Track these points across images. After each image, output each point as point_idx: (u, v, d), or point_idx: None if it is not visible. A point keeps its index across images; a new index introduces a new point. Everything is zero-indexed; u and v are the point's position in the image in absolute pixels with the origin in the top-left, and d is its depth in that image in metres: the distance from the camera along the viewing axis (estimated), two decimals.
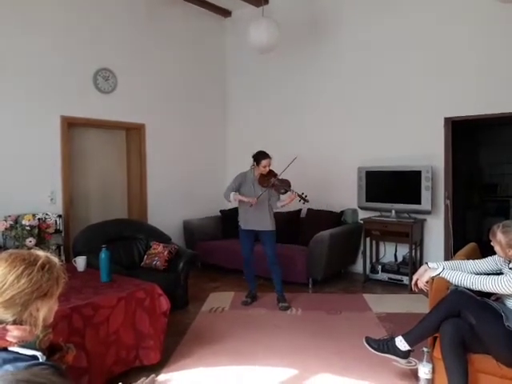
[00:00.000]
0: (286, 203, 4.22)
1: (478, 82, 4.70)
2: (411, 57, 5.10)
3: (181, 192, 6.02)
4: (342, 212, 5.44)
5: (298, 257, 4.89)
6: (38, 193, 4.50)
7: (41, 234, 4.14)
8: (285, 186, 4.19)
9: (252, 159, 4.27)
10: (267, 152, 4.20)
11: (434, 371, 2.51)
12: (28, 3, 4.41)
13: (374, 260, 5.39)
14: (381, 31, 5.30)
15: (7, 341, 1.13)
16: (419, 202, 4.86)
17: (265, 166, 4.16)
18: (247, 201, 4.09)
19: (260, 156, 4.18)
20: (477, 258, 2.71)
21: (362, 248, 5.32)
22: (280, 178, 4.20)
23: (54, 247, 4.20)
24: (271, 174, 4.23)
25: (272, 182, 4.15)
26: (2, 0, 4.23)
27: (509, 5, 4.17)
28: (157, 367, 2.91)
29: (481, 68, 4.68)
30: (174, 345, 3.30)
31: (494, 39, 4.59)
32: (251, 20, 5.15)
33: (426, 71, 5.00)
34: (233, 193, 4.19)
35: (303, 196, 4.12)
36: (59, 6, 4.66)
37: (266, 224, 4.23)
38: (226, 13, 6.55)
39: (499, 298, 2.49)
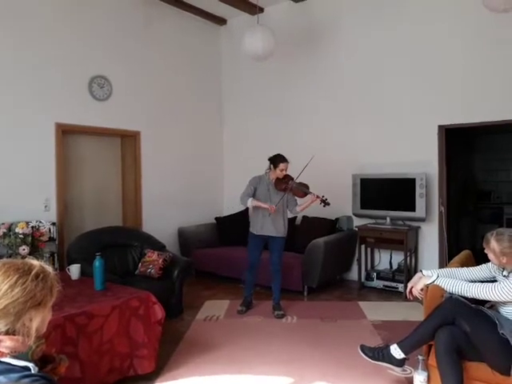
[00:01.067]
0: (306, 206, 4.14)
1: (472, 90, 4.75)
2: (406, 65, 5.15)
3: (176, 199, 6.01)
4: (337, 219, 5.44)
5: (293, 264, 4.88)
6: (31, 200, 4.48)
7: (34, 242, 4.11)
8: (304, 188, 4.12)
9: (268, 162, 4.20)
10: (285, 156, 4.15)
11: (429, 379, 2.50)
12: (23, 11, 4.41)
13: (369, 267, 5.39)
14: (376, 40, 5.35)
15: None
16: (414, 210, 4.88)
17: (282, 170, 4.09)
18: (265, 207, 4.03)
19: (278, 159, 4.12)
20: (471, 266, 2.73)
21: (357, 255, 5.32)
22: (297, 181, 4.15)
23: (47, 255, 4.17)
24: (288, 177, 4.16)
25: (290, 186, 4.09)
26: None
27: (499, 14, 4.22)
28: (151, 376, 2.90)
29: (474, 76, 4.74)
30: (168, 353, 3.27)
31: (487, 48, 4.65)
32: (246, 28, 5.18)
33: (420, 79, 5.05)
34: (251, 199, 4.11)
35: (324, 199, 4.05)
36: (55, 13, 4.67)
37: (280, 230, 4.20)
38: (221, 21, 6.59)
39: (493, 305, 2.50)
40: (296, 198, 4.26)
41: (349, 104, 5.59)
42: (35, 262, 1.22)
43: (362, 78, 5.47)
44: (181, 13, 6.00)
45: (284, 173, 4.12)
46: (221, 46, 6.77)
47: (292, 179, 4.14)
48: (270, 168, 4.21)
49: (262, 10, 6.04)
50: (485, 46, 4.66)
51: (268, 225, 4.17)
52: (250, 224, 4.35)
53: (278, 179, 4.16)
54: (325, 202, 4.05)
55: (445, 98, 4.90)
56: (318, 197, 4.03)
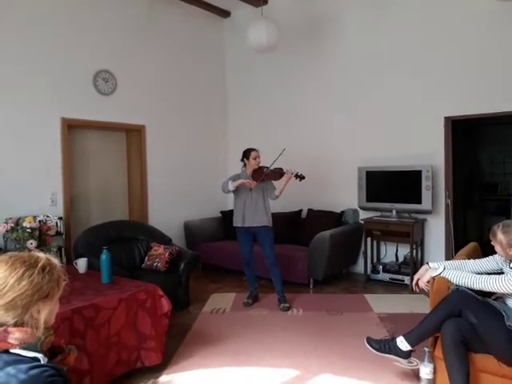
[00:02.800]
0: (284, 186, 4.21)
1: (478, 81, 4.70)
2: (411, 57, 5.10)
3: (181, 193, 6.02)
4: (343, 212, 5.43)
5: (298, 257, 4.89)
6: (38, 195, 4.51)
7: (42, 236, 4.14)
8: (278, 170, 4.23)
9: (241, 161, 4.35)
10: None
11: (435, 371, 2.51)
12: (27, 7, 4.41)
13: (375, 260, 5.38)
14: (381, 31, 5.30)
15: (9, 343, 1.14)
16: (420, 202, 4.86)
17: (255, 158, 4.24)
18: (247, 182, 4.12)
19: (248, 150, 4.31)
20: (478, 258, 2.71)
21: (362, 248, 5.31)
22: (271, 167, 4.25)
23: (55, 249, 4.20)
24: (262, 167, 4.29)
25: (265, 172, 4.19)
26: (2, 2, 4.24)
27: (505, 3, 4.17)
28: (158, 368, 2.92)
29: (480, 67, 4.68)
30: (175, 346, 3.30)
31: (492, 38, 4.59)
32: (250, 20, 5.16)
33: (426, 71, 5.00)
34: (230, 181, 4.20)
35: (298, 174, 4.18)
36: (59, 8, 4.67)
37: (263, 220, 4.22)
38: (225, 13, 6.56)
39: (500, 297, 2.49)
40: (274, 182, 4.32)
41: (354, 96, 5.55)
42: (41, 255, 1.23)
43: (367, 69, 5.43)
44: (185, 6, 5.97)
45: (258, 160, 4.26)
46: (225, 38, 6.74)
47: (266, 167, 4.25)
48: (244, 165, 4.33)
49: (265, 1, 6.00)
50: (492, 37, 4.60)
51: (249, 216, 4.22)
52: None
53: (254, 172, 4.25)
54: (300, 177, 4.20)
55: (451, 89, 4.86)
56: (292, 174, 4.16)
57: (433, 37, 4.94)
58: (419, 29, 5.02)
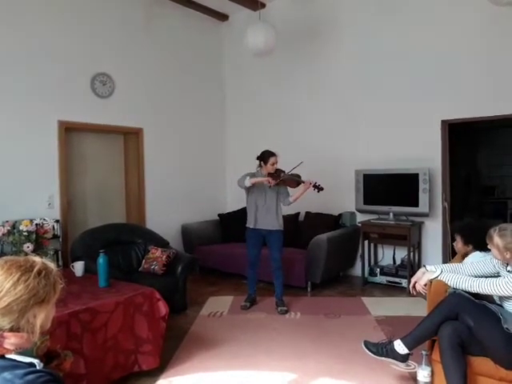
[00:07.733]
0: (300, 194, 4.15)
1: (475, 85, 4.71)
2: (408, 60, 5.12)
3: (179, 196, 6.02)
4: (340, 215, 5.44)
5: (296, 260, 4.89)
6: (35, 198, 4.49)
7: (38, 239, 4.12)
8: (296, 178, 4.16)
9: (257, 161, 4.24)
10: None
11: (432, 374, 2.50)
12: (25, 8, 4.41)
13: (372, 263, 5.39)
14: (378, 34, 5.32)
15: (4, 348, 1.13)
16: (417, 205, 4.87)
17: (273, 164, 4.13)
18: (266, 180, 4.03)
19: (266, 154, 4.17)
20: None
21: (360, 251, 5.32)
22: (289, 173, 4.16)
23: (51, 252, 4.18)
24: (279, 171, 4.20)
25: (282, 177, 4.11)
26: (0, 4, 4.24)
27: (504, 7, 4.20)
28: (156, 372, 2.91)
29: (477, 70, 4.70)
30: (172, 349, 3.29)
31: (490, 41, 4.61)
32: (248, 24, 5.17)
33: (423, 74, 5.02)
34: (248, 177, 4.10)
35: (317, 185, 4.09)
36: (56, 11, 4.67)
37: (275, 223, 4.21)
38: (223, 17, 6.57)
39: (494, 300, 2.49)
40: (289, 189, 4.27)
41: (351, 99, 5.56)
42: (37, 259, 1.22)
43: (364, 73, 5.44)
44: (183, 9, 5.99)
45: (275, 166, 4.16)
46: (223, 42, 6.75)
47: (283, 172, 4.17)
48: (260, 166, 4.25)
49: (263, 5, 6.02)
50: (488, 40, 4.62)
51: (262, 218, 4.20)
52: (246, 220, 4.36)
53: (270, 174, 4.18)
54: (318, 188, 4.11)
55: (448, 92, 4.87)
56: (310, 183, 4.08)
57: (430, 40, 4.95)
58: (416, 32, 5.03)
